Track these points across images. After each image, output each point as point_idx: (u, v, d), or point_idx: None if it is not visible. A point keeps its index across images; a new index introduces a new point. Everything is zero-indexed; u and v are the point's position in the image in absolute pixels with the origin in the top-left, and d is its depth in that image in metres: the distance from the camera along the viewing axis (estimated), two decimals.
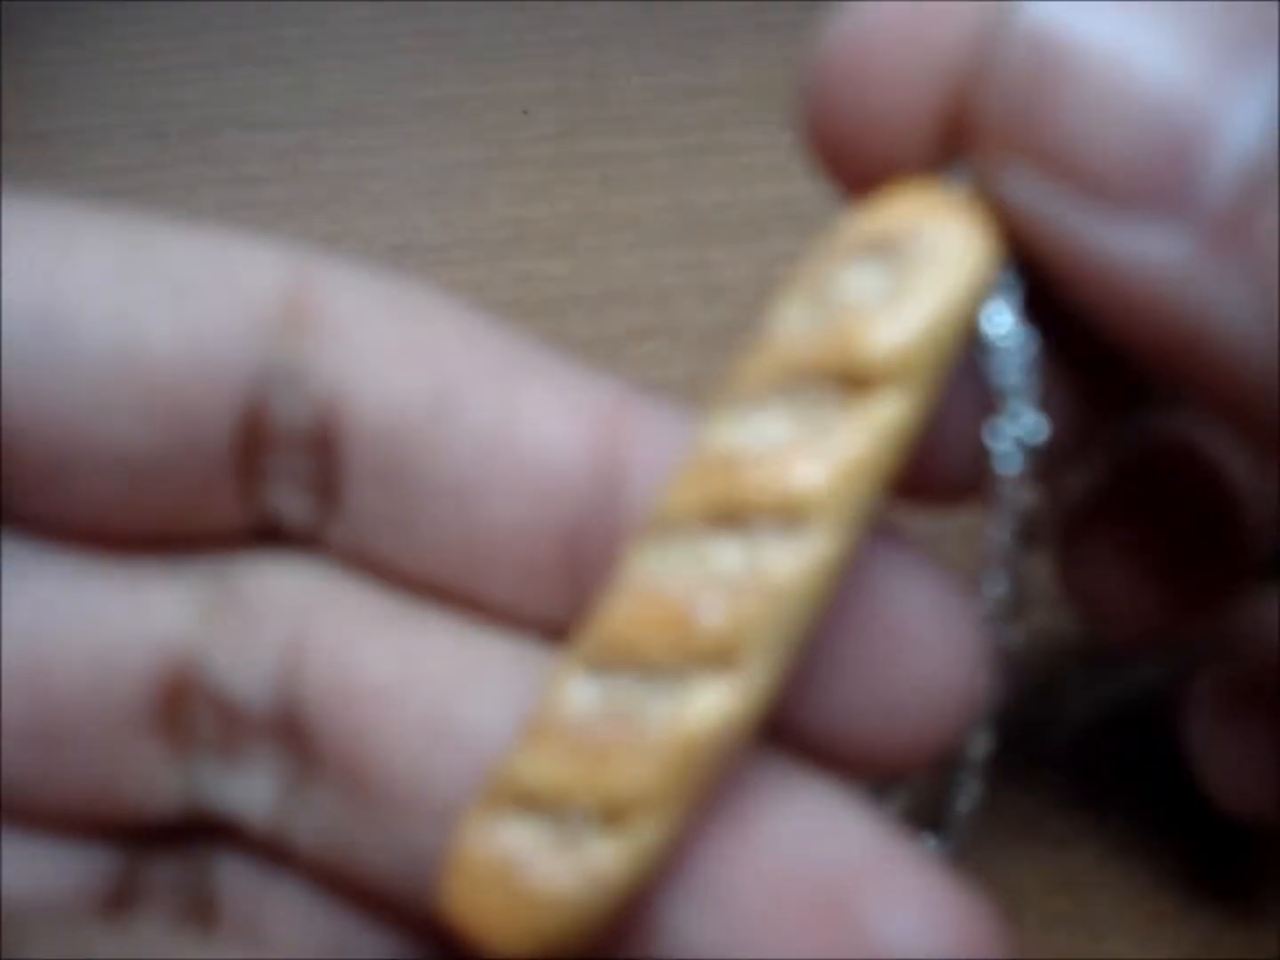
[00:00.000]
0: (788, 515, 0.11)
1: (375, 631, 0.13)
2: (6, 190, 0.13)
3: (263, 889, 0.14)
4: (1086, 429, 0.13)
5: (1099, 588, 0.17)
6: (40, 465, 0.13)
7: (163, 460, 0.13)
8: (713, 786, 0.11)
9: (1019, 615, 0.13)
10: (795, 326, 0.12)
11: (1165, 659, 0.21)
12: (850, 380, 0.11)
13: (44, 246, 0.13)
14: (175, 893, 0.14)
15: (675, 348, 0.30)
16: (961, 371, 0.12)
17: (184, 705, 0.13)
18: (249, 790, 0.13)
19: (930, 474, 0.13)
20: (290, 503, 0.14)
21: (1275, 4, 0.10)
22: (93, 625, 0.13)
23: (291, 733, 0.13)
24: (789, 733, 0.12)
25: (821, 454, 0.11)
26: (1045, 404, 0.12)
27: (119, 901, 0.14)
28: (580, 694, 0.12)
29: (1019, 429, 0.12)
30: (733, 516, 0.11)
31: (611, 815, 0.11)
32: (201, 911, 0.14)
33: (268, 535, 0.14)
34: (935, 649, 0.12)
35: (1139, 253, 0.11)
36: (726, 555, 0.11)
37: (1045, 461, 0.12)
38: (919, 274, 0.11)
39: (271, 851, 0.14)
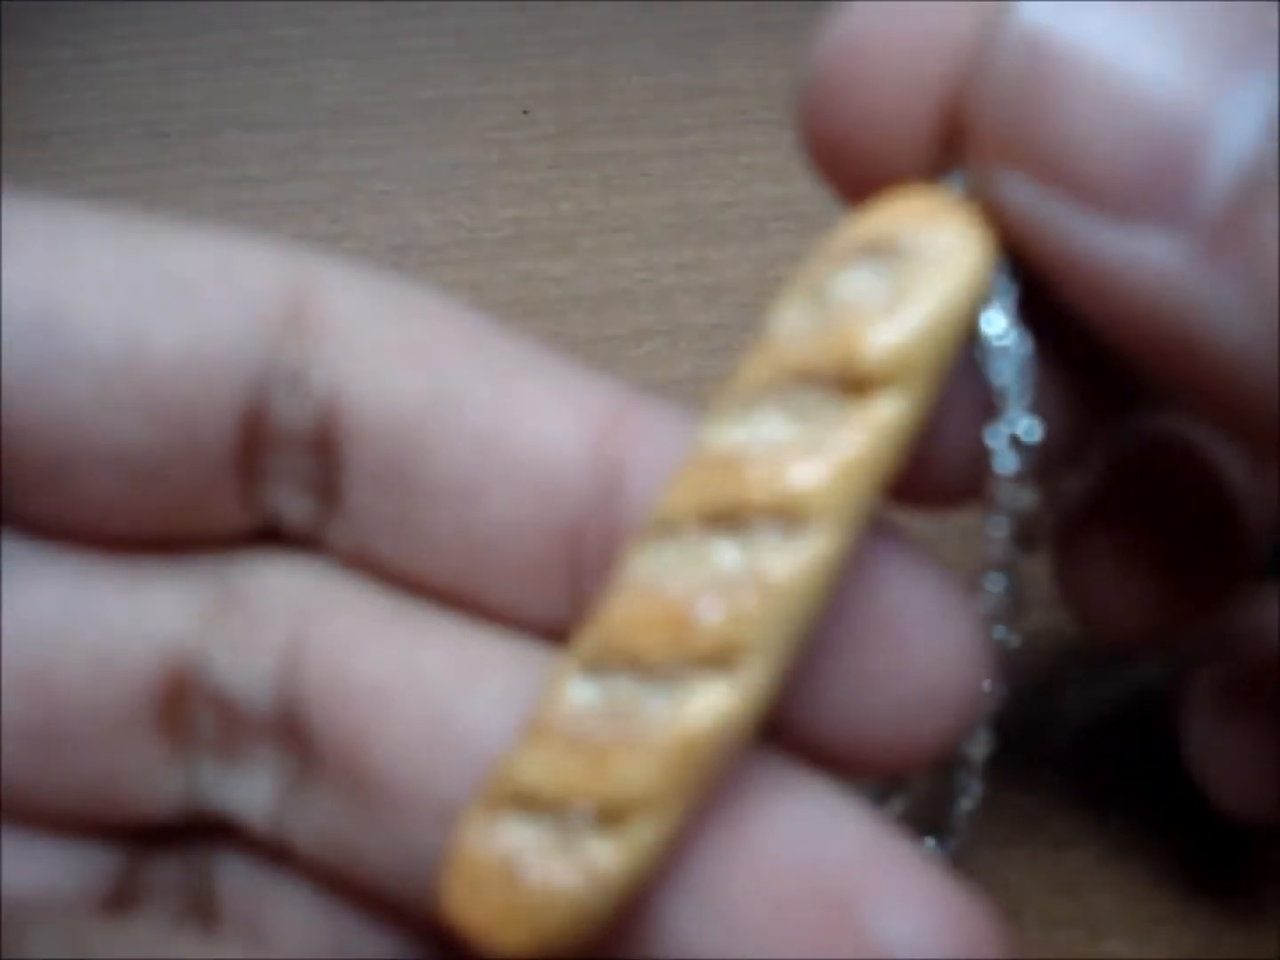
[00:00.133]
0: (787, 516, 0.11)
1: (375, 632, 0.13)
2: (6, 190, 0.13)
3: (263, 889, 0.14)
4: (1083, 430, 0.13)
5: (1096, 590, 0.17)
6: (41, 465, 0.13)
7: (163, 460, 0.13)
8: (712, 786, 0.11)
9: (1018, 616, 0.13)
10: (795, 328, 0.12)
11: (1165, 659, 0.21)
12: (849, 381, 0.11)
13: (44, 247, 0.13)
14: (175, 892, 0.14)
15: (675, 348, 0.30)
16: (960, 373, 0.12)
17: (184, 705, 0.13)
18: (249, 790, 0.14)
19: (929, 475, 0.13)
20: (290, 503, 0.14)
21: (1273, 6, 0.10)
22: (93, 625, 0.13)
23: (291, 733, 0.13)
24: (789, 733, 0.12)
25: (821, 454, 0.11)
26: (1041, 406, 0.12)
27: (119, 901, 0.14)
28: (580, 694, 0.12)
29: (1016, 430, 0.12)
30: (732, 517, 0.11)
31: (611, 815, 0.11)
32: (201, 911, 0.14)
33: (268, 535, 0.14)
34: (934, 649, 0.12)
35: (1135, 257, 0.10)
36: (726, 555, 0.11)
37: (1042, 463, 0.12)
38: (917, 276, 0.11)
39: (271, 851, 0.14)
